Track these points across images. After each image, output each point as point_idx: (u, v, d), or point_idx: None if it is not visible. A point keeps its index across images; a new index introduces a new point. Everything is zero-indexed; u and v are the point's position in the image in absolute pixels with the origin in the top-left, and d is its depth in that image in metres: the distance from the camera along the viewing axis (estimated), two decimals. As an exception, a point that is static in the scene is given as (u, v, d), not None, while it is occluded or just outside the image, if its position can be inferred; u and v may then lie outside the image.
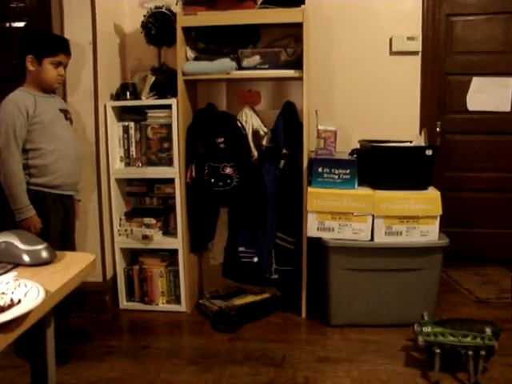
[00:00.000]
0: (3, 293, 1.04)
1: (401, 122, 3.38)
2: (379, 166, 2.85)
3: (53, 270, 1.25)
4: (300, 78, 2.90)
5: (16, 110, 2.41)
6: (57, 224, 2.58)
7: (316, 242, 2.88)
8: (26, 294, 1.03)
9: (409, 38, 3.32)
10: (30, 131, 2.45)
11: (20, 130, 2.41)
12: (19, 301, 1.00)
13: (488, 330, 2.34)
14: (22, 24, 3.98)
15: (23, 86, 2.54)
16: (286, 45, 3.05)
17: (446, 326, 2.42)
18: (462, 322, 2.47)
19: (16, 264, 1.27)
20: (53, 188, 2.55)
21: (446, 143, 3.65)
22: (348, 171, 2.83)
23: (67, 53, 2.58)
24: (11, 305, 0.98)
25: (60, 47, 2.55)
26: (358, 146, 3.16)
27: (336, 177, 2.84)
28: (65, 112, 2.66)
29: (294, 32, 3.00)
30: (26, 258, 1.28)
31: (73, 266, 1.28)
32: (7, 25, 3.93)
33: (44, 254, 1.30)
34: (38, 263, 1.28)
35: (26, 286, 1.06)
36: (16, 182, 2.41)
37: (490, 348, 2.32)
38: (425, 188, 2.85)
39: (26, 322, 0.99)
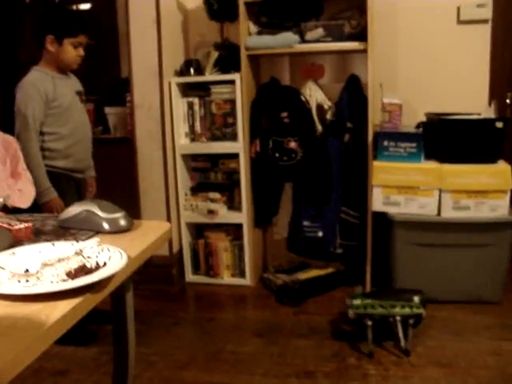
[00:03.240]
0: (88, 256, 1.08)
1: (468, 94, 3.26)
2: (447, 138, 2.77)
3: (131, 236, 1.29)
4: (364, 51, 2.86)
5: (35, 92, 2.35)
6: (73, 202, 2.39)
7: (381, 217, 2.85)
8: (110, 258, 1.07)
9: (479, 6, 3.18)
10: (48, 115, 2.40)
11: (39, 113, 2.36)
12: (104, 264, 1.04)
13: (416, 299, 2.41)
14: (87, 6, 4.08)
15: (39, 65, 2.46)
16: (350, 17, 3.00)
17: (375, 297, 2.45)
18: (390, 293, 2.54)
19: (96, 231, 1.32)
20: (66, 170, 2.51)
21: (517, 116, 3.50)
22: (414, 144, 2.78)
23: (87, 33, 2.48)
24: (97, 267, 1.02)
25: (81, 28, 2.45)
26: (423, 119, 3.08)
27: (402, 150, 2.79)
28: (80, 94, 2.58)
29: (358, 3, 2.94)
30: (105, 226, 1.32)
31: (150, 234, 1.32)
32: (74, 7, 4.05)
33: (122, 222, 1.34)
34: (117, 230, 1.32)
35: (109, 250, 1.10)
36: (35, 164, 2.33)
37: (418, 316, 2.38)
38: (494, 161, 2.76)
39: (112, 284, 1.02)
